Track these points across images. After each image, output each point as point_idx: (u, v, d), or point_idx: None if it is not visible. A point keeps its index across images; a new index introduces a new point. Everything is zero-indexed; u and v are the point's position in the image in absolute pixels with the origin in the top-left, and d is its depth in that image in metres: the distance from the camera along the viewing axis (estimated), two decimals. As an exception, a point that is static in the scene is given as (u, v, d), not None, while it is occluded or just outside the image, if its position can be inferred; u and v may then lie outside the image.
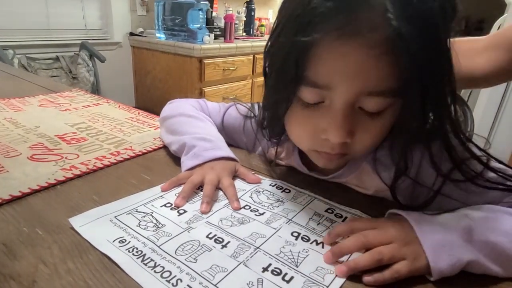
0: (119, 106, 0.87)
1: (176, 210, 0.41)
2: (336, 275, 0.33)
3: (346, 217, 0.43)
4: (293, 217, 0.42)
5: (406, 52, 0.32)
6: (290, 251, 0.36)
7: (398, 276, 0.33)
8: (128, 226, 0.38)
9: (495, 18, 1.76)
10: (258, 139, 0.58)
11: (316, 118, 0.39)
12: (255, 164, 0.57)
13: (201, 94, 2.21)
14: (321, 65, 0.35)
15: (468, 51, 0.59)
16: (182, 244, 0.35)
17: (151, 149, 0.60)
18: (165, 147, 0.61)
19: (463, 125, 0.82)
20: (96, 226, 0.37)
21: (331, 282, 0.32)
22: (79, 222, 0.37)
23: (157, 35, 2.32)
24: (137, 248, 0.34)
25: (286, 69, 0.37)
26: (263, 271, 0.32)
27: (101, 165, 0.52)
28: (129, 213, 0.40)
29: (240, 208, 0.43)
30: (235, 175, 0.51)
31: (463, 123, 0.84)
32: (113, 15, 2.34)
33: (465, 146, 0.39)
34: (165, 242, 0.35)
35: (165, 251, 0.34)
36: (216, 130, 0.59)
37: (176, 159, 0.56)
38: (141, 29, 2.46)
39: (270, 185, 0.50)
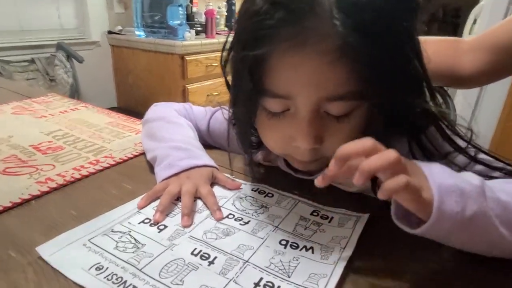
0: (98, 111, 0.84)
1: (156, 226, 0.39)
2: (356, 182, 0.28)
3: (332, 218, 0.42)
4: (279, 224, 0.40)
5: (356, 58, 0.31)
6: (280, 261, 0.34)
7: (402, 187, 0.27)
8: (104, 250, 0.35)
9: (472, 6, 1.78)
10: None
11: (284, 126, 0.39)
12: (240, 167, 0.56)
13: (184, 92, 2.18)
14: (277, 76, 0.35)
15: (455, 51, 0.59)
16: (166, 265, 0.33)
17: (132, 156, 0.58)
18: (146, 153, 0.59)
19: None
20: (69, 254, 0.34)
21: (325, 286, 0.31)
22: (48, 251, 0.34)
23: (137, 32, 2.27)
24: (116, 275, 0.31)
25: (242, 82, 0.37)
26: (254, 287, 0.31)
27: (79, 176, 0.50)
28: (104, 234, 0.37)
29: (224, 218, 0.41)
30: (213, 182, 0.49)
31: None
32: (90, 14, 2.27)
33: (449, 140, 0.39)
34: (147, 264, 0.33)
35: (148, 275, 0.32)
36: (195, 137, 0.57)
37: (158, 166, 0.54)
38: (119, 27, 2.40)
39: (252, 190, 0.48)
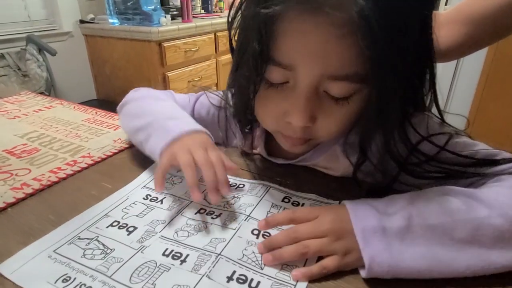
0: (74, 107, 0.81)
1: (125, 229, 0.38)
2: (264, 264, 0.33)
3: (303, 204, 0.42)
4: (251, 213, 0.40)
5: (369, 34, 0.29)
6: (253, 252, 0.34)
7: (326, 271, 0.32)
8: (71, 260, 0.33)
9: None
10: (233, 131, 0.56)
11: (280, 99, 0.38)
12: (233, 160, 0.55)
13: (164, 80, 2.13)
14: (283, 43, 0.34)
15: None
16: (136, 269, 0.32)
17: (111, 153, 0.57)
18: (126, 149, 0.58)
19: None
20: (33, 268, 0.32)
21: (298, 281, 0.31)
22: (10, 268, 0.32)
23: (110, 20, 2.18)
24: (85, 285, 0.30)
25: (249, 45, 0.35)
26: (228, 281, 0.31)
27: (56, 179, 0.49)
28: (70, 243, 0.36)
29: (197, 212, 0.41)
30: None
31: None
32: (59, 3, 2.16)
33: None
34: (117, 270, 0.32)
35: (118, 281, 0.31)
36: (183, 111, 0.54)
37: (139, 161, 0.53)
38: (91, 16, 2.30)
39: None
